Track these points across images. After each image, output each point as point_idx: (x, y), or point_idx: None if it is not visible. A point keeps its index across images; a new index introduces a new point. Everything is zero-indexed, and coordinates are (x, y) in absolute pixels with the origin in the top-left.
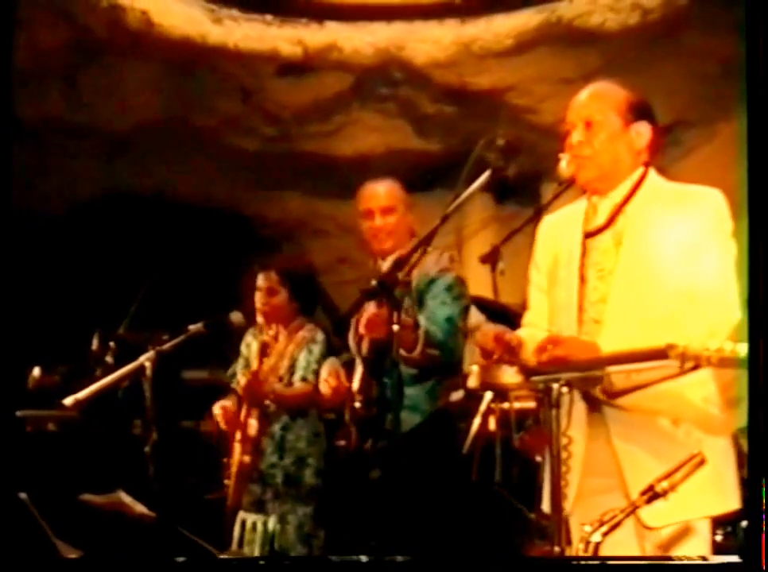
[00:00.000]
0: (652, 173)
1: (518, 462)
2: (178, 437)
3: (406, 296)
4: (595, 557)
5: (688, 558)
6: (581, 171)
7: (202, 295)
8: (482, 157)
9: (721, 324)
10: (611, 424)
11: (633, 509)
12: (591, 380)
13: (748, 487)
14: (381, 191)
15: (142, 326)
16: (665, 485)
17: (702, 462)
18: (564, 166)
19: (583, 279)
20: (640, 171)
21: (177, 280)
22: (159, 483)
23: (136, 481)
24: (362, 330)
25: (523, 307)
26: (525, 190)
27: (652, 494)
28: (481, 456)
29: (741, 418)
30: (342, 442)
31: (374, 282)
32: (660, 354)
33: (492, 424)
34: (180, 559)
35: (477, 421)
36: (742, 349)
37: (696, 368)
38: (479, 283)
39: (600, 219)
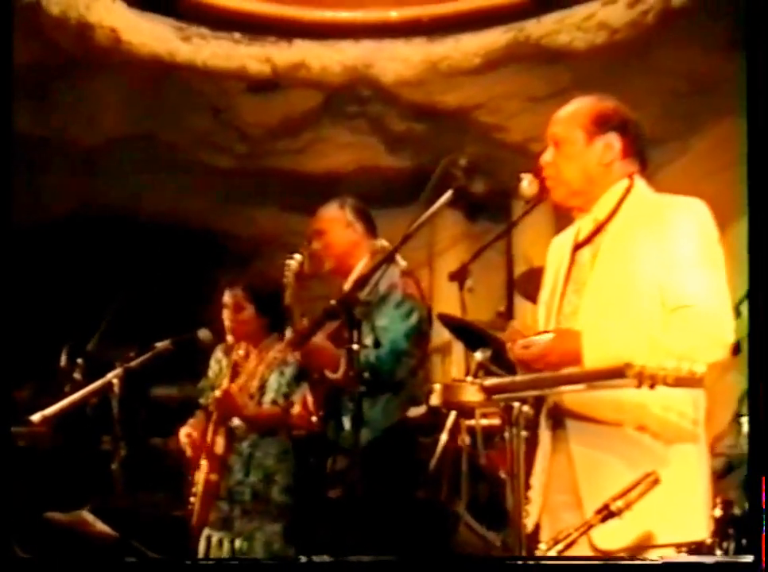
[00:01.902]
0: (638, 184)
1: (485, 479)
2: (146, 453)
3: (367, 315)
4: (561, 557)
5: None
6: (552, 191)
7: (173, 311)
8: (451, 175)
9: (714, 342)
10: (572, 439)
11: (587, 528)
12: None
13: (748, 487)
14: (316, 215)
15: (112, 342)
16: (619, 503)
17: (656, 481)
18: (526, 185)
19: (563, 293)
20: (624, 184)
21: (148, 296)
22: (126, 499)
23: (104, 497)
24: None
25: (490, 324)
26: (496, 207)
27: (607, 513)
28: (449, 473)
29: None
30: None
31: (333, 301)
32: (617, 373)
33: (459, 441)
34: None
35: (444, 438)
36: (700, 368)
37: (653, 387)
38: (450, 300)
39: (582, 235)
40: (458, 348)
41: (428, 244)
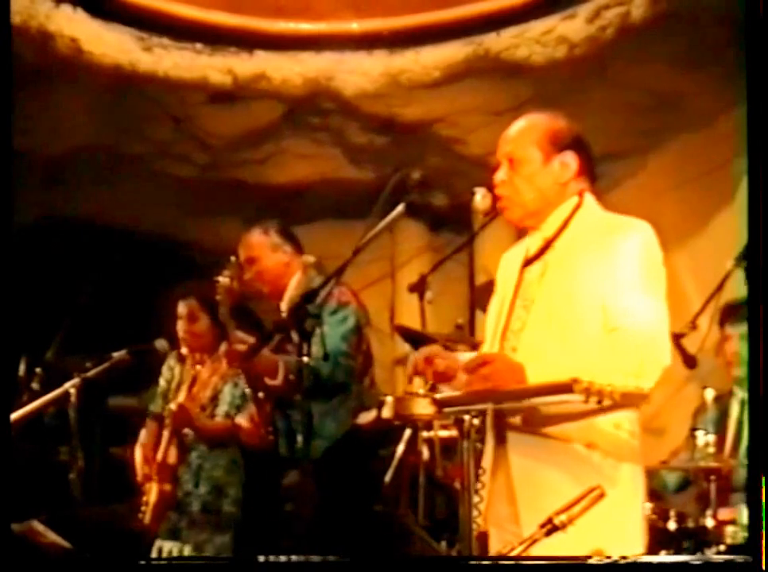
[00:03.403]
0: (588, 201)
1: (442, 492)
2: (104, 463)
3: (317, 327)
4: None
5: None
6: (507, 211)
7: (135, 322)
8: (405, 188)
9: (650, 366)
10: (512, 454)
11: (531, 542)
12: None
13: (748, 487)
14: (243, 245)
15: (70, 352)
16: (563, 518)
17: (601, 496)
18: (479, 199)
19: (511, 308)
20: (573, 202)
21: (110, 306)
22: (84, 509)
23: (61, 507)
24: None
25: (449, 337)
26: (458, 219)
27: (551, 527)
28: (407, 485)
29: (667, 447)
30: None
31: (283, 315)
32: (565, 388)
33: (417, 452)
34: None
35: (400, 449)
36: (647, 385)
37: (600, 402)
38: (411, 311)
39: (532, 251)
40: None
41: (390, 256)
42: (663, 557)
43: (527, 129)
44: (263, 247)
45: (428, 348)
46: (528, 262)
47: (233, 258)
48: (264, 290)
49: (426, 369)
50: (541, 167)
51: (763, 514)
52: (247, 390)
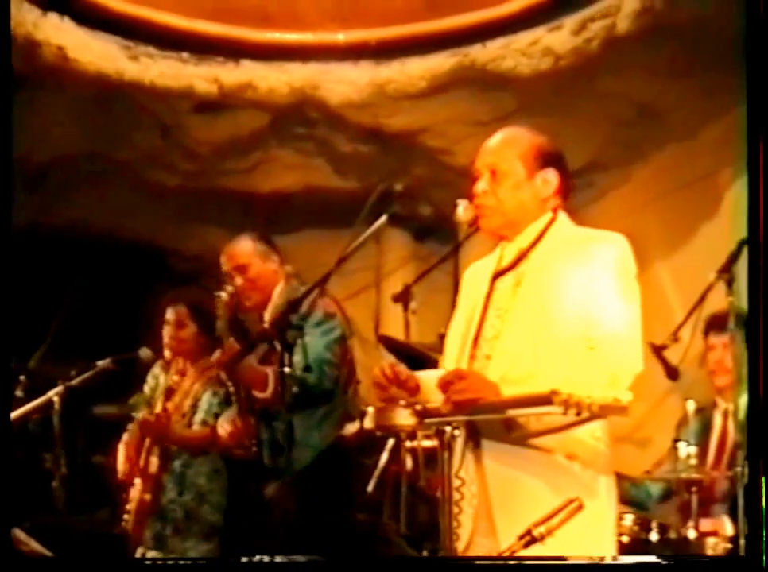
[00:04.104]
0: (561, 217)
1: (425, 502)
2: (87, 471)
3: (298, 338)
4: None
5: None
6: (485, 219)
7: (119, 329)
8: (387, 200)
9: (622, 373)
10: (490, 464)
11: (511, 554)
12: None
13: (748, 486)
14: (231, 253)
15: (54, 359)
16: (542, 530)
17: (580, 508)
18: (461, 212)
19: (483, 317)
20: (548, 216)
21: (94, 314)
22: (66, 517)
23: (44, 514)
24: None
25: (432, 347)
26: (443, 229)
27: (529, 539)
28: (390, 495)
29: (651, 458)
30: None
31: (266, 325)
32: (544, 400)
33: (400, 462)
34: None
35: (383, 459)
36: (626, 397)
37: (579, 414)
38: (396, 321)
39: (505, 262)
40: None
41: (375, 265)
42: (648, 557)
43: (510, 143)
44: (254, 255)
45: (389, 361)
46: (501, 273)
47: (233, 274)
48: (253, 298)
49: (393, 378)
50: (524, 181)
51: (763, 514)
52: (233, 399)
